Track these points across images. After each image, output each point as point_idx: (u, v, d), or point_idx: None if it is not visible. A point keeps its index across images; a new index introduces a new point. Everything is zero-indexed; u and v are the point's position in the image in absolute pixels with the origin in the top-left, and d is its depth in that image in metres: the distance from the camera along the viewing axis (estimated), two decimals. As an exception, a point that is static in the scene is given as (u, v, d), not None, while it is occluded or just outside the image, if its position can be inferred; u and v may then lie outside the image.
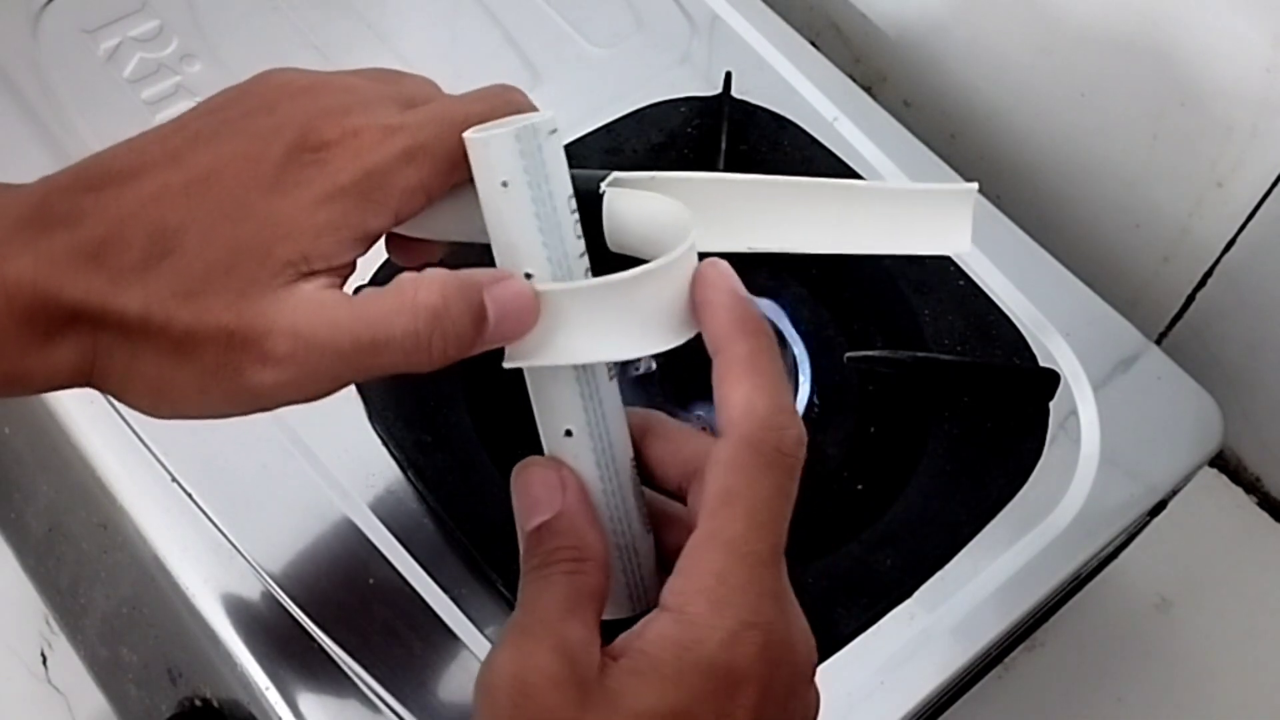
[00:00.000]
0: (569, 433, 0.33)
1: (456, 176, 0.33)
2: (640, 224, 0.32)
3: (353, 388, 0.46)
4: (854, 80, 0.60)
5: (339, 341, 0.31)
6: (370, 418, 0.46)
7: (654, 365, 0.49)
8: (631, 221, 0.33)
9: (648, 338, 0.31)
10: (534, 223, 0.31)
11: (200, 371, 0.31)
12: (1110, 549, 0.49)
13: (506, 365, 0.32)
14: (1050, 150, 0.63)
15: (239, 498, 0.44)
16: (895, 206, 0.33)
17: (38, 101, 0.54)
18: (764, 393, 0.30)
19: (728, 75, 0.56)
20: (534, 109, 0.35)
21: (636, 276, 0.31)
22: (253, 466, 0.45)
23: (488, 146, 0.31)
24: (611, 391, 0.33)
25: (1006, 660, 0.56)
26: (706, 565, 0.30)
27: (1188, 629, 0.59)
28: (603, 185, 0.33)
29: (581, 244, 0.32)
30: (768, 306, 0.51)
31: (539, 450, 0.34)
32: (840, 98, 0.58)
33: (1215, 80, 0.54)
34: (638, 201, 0.32)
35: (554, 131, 0.31)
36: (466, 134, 0.32)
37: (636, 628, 0.30)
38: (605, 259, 0.33)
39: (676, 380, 0.49)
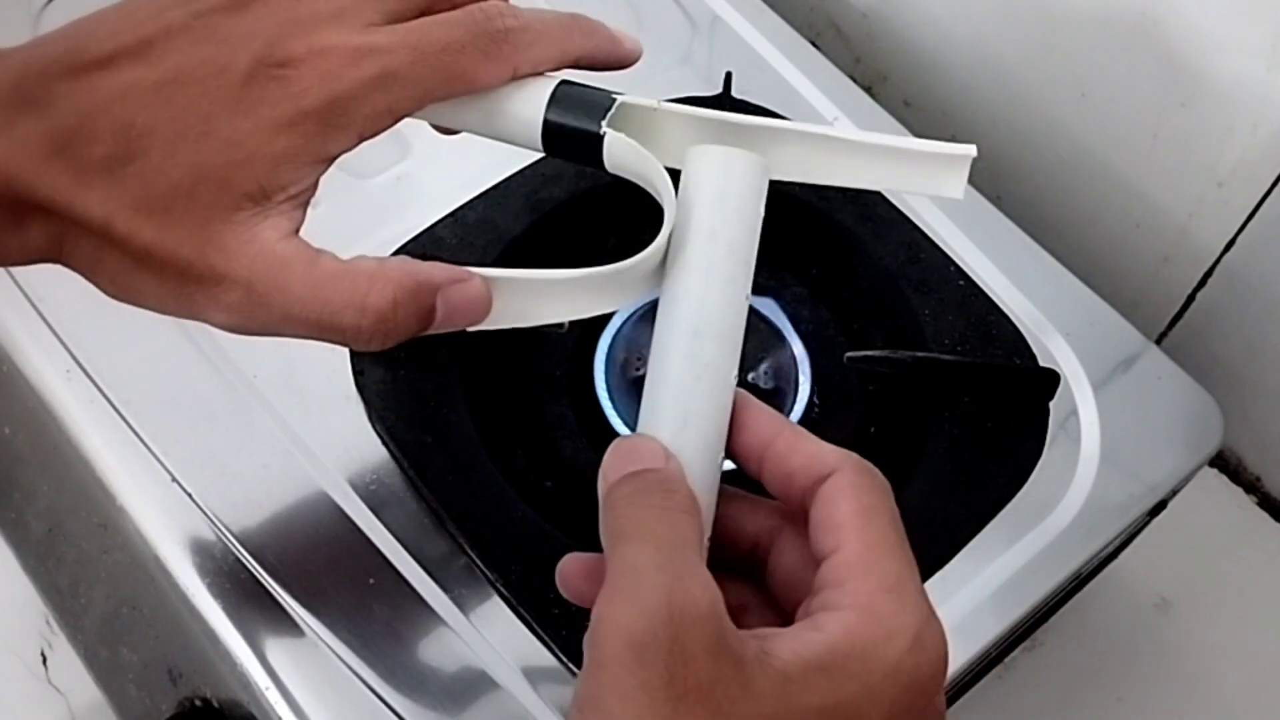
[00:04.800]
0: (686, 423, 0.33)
1: (428, 101, 0.33)
2: (634, 168, 0.34)
3: (352, 388, 0.46)
4: (854, 80, 0.60)
5: (288, 308, 0.32)
6: (370, 418, 0.46)
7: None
8: (627, 164, 0.34)
9: (600, 305, 0.34)
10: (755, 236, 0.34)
11: (159, 285, 0.32)
12: (1110, 549, 0.49)
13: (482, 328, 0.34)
14: (1050, 150, 0.63)
15: (239, 498, 0.44)
16: (899, 159, 0.35)
17: (38, 101, 0.54)
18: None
19: (728, 75, 0.56)
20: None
21: (604, 274, 0.32)
22: (253, 466, 0.45)
23: (750, 161, 0.34)
24: (730, 389, 0.34)
25: (1006, 660, 0.56)
26: (885, 568, 0.30)
27: (1188, 629, 0.59)
28: (604, 126, 0.34)
29: None
30: (768, 306, 0.51)
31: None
32: (840, 98, 0.58)
33: (1215, 80, 0.54)
34: (633, 156, 0.34)
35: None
36: (719, 149, 0.34)
37: (796, 628, 0.30)
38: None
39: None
